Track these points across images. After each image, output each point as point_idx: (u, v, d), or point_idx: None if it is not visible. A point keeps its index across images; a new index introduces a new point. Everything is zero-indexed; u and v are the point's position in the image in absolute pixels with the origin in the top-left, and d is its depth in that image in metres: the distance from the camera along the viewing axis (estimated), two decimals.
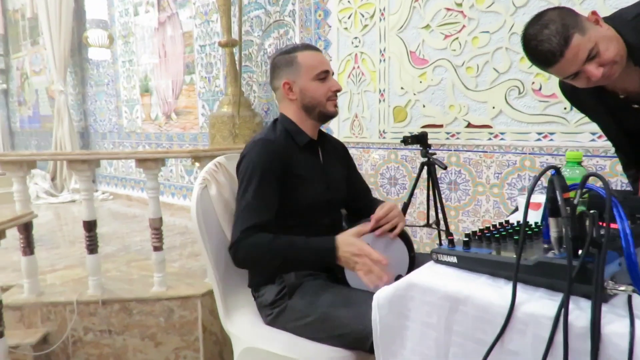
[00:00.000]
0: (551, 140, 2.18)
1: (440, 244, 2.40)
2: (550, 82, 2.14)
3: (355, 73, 2.86)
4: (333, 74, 1.43)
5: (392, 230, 1.29)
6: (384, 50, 2.71)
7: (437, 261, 0.82)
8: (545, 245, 0.74)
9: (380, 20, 2.69)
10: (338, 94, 1.41)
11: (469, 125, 2.43)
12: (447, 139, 2.51)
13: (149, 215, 2.24)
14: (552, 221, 0.67)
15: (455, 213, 2.53)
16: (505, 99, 2.29)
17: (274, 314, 1.30)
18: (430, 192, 2.09)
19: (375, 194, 2.89)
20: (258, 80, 3.54)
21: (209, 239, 1.39)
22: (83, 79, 5.53)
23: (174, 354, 2.22)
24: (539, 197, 1.13)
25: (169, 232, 3.48)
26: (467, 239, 0.79)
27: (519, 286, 0.68)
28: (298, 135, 1.38)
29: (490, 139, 2.37)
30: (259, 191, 1.25)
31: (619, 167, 2.01)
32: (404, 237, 1.32)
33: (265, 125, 3.45)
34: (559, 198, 0.63)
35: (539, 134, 2.21)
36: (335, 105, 1.39)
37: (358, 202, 1.55)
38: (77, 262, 2.81)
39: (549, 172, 0.70)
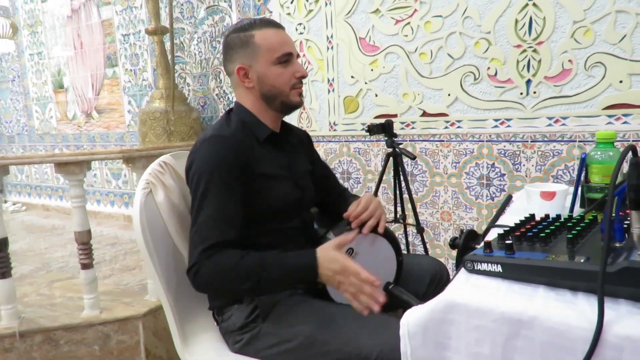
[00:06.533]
0: (508, 126, 2.13)
1: (407, 241, 2.29)
2: (506, 67, 2.09)
3: (301, 62, 2.67)
4: (298, 56, 1.23)
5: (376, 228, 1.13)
6: (332, 37, 2.54)
7: (473, 271, 0.66)
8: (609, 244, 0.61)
9: (326, 4, 2.52)
10: (304, 80, 1.22)
11: (424, 113, 2.34)
12: (402, 128, 2.40)
13: (74, 228, 1.91)
14: (635, 215, 0.53)
15: None
16: (461, 85, 2.21)
17: (245, 340, 1.08)
18: (397, 185, 1.96)
19: None
20: (192, 72, 3.23)
21: (158, 255, 1.15)
22: None
23: None
24: (551, 186, 1.03)
25: (97, 244, 3.09)
26: (509, 241, 0.64)
27: (595, 299, 0.53)
28: (257, 128, 1.17)
29: (446, 127, 2.29)
30: (219, 200, 1.02)
31: (576, 151, 2.01)
32: (390, 238, 1.15)
33: (214, 121, 3.17)
34: None
35: (496, 120, 2.16)
36: (301, 95, 1.19)
37: (328, 197, 1.37)
38: None
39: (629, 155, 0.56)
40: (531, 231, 0.67)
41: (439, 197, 2.38)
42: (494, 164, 2.20)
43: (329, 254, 0.98)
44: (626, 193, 0.55)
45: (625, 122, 1.89)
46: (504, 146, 2.16)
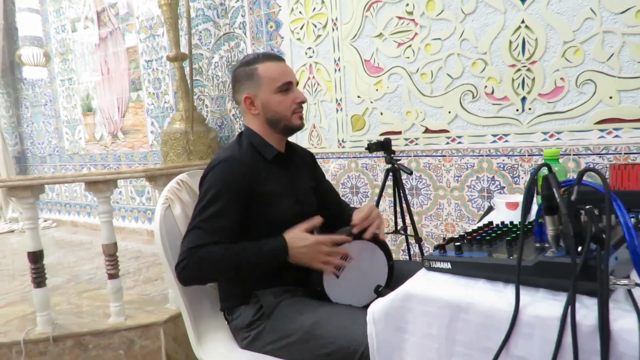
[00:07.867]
0: (506, 141, 2.24)
1: (408, 250, 2.41)
2: (502, 86, 2.21)
3: (310, 83, 2.84)
4: (298, 84, 1.39)
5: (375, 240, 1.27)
6: (339, 59, 2.71)
7: (430, 268, 0.79)
8: (537, 244, 0.73)
9: (333, 30, 2.69)
10: (303, 105, 1.37)
11: (427, 130, 2.46)
12: (406, 145, 2.53)
13: (102, 241, 2.09)
14: (548, 219, 0.66)
15: (419, 218, 2.54)
16: (460, 103, 2.34)
17: (251, 337, 1.22)
18: (397, 198, 2.08)
19: None
20: (210, 95, 3.44)
21: (175, 262, 1.30)
22: (17, 100, 5.18)
23: None
24: (516, 197, 1.15)
25: (122, 258, 3.25)
26: (458, 243, 0.77)
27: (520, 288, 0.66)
28: (265, 149, 1.33)
29: (448, 143, 2.41)
30: (217, 214, 1.18)
31: (571, 164, 2.10)
32: (383, 245, 1.29)
33: (230, 140, 3.36)
34: (556, 195, 0.62)
35: (494, 135, 2.27)
36: (301, 118, 1.35)
37: (327, 212, 1.50)
38: (21, 297, 2.58)
39: (543, 170, 0.68)
40: (480, 235, 0.80)
41: (442, 210, 2.49)
42: (494, 177, 2.30)
43: (298, 235, 1.20)
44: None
45: (616, 136, 1.98)
46: (503, 160, 2.27)
